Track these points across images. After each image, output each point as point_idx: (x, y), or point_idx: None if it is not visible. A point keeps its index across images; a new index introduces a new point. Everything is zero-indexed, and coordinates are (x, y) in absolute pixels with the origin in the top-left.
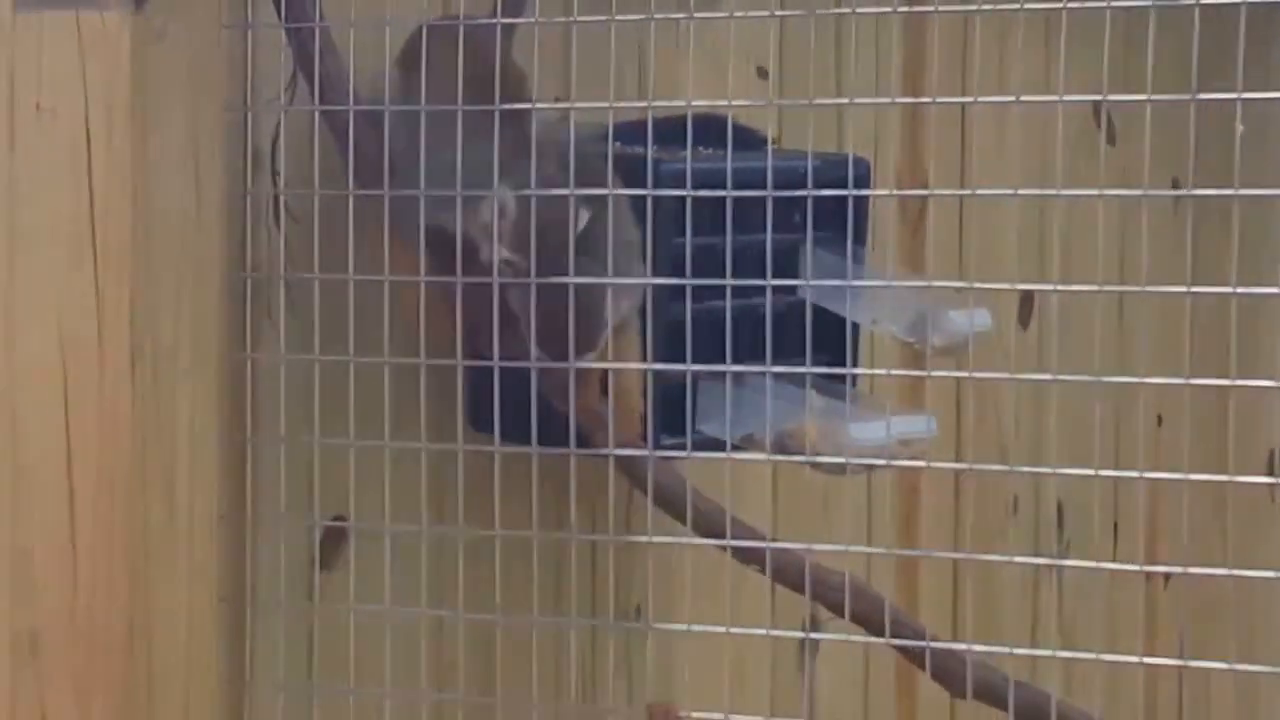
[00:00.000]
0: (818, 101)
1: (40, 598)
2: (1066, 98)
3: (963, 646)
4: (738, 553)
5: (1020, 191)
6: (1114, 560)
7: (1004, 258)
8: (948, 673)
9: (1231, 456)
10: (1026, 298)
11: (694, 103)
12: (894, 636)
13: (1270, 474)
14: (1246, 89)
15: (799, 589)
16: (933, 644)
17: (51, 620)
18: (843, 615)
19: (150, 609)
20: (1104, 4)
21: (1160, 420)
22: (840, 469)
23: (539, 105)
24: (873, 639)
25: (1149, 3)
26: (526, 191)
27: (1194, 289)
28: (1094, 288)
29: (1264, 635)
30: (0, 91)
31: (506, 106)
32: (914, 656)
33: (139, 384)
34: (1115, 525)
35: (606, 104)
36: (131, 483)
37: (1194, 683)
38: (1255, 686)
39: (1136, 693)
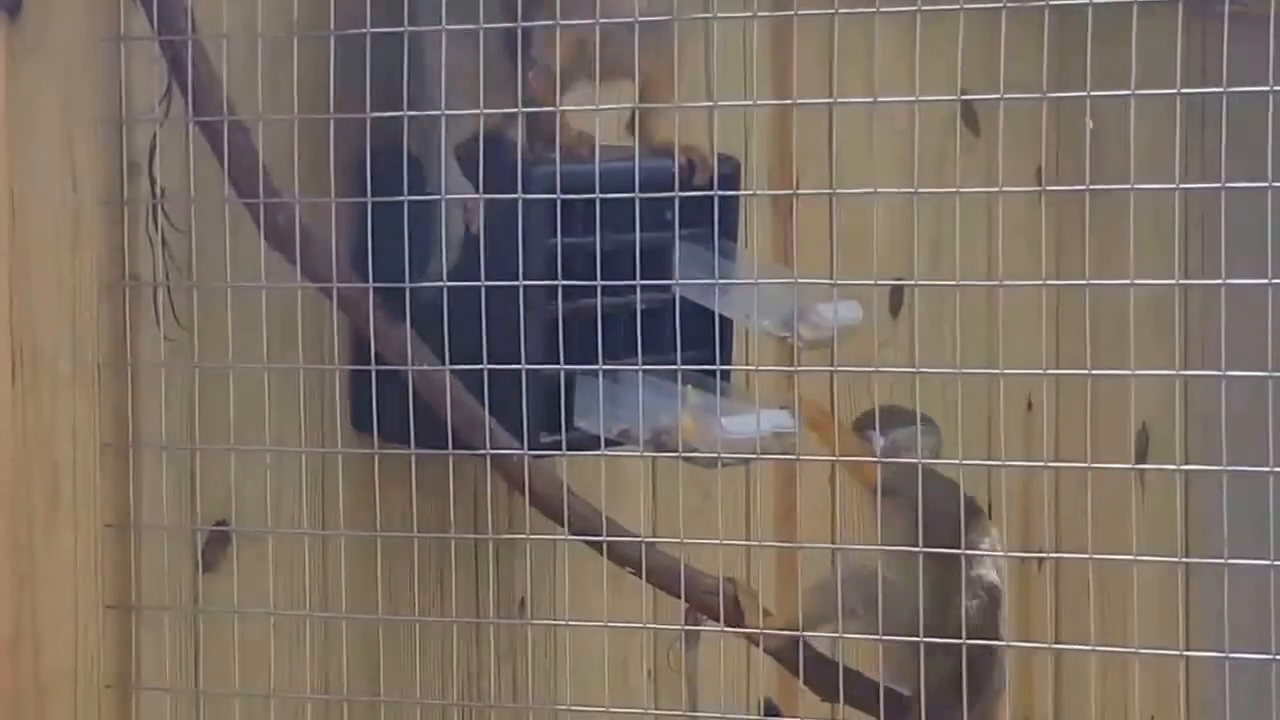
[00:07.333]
0: (682, 105)
1: None
2: (923, 98)
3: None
4: (614, 555)
5: (880, 190)
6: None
7: (873, 250)
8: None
9: (1089, 438)
10: (897, 287)
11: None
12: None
13: (1141, 448)
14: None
15: (674, 593)
16: (805, 634)
17: None
18: (718, 619)
19: (36, 617)
20: (956, 6)
21: (1030, 404)
22: (712, 463)
23: (410, 112)
24: (746, 631)
25: (1000, 4)
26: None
27: (1049, 283)
28: (951, 283)
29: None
30: None
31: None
32: (787, 662)
33: (19, 390)
34: (988, 510)
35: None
36: (14, 489)
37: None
38: (1122, 667)
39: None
